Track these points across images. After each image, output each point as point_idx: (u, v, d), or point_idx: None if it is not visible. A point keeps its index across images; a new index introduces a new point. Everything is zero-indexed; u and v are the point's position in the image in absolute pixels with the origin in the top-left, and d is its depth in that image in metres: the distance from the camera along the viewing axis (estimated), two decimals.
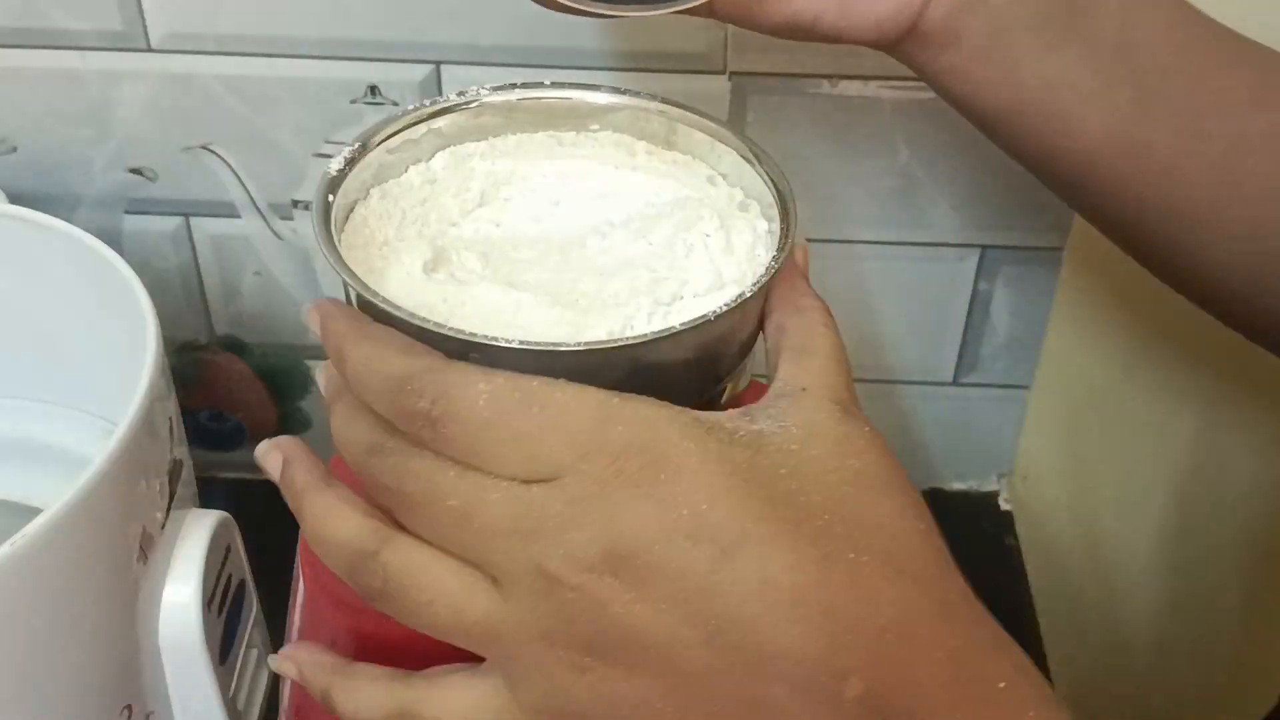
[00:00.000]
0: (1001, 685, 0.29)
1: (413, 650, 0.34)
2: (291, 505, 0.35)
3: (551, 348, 0.32)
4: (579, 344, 0.33)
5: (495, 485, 0.30)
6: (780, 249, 0.37)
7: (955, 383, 0.70)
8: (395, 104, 0.61)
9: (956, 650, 0.29)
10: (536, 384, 0.31)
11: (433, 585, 0.31)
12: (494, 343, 0.32)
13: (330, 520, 0.33)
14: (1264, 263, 0.44)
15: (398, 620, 0.32)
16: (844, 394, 0.33)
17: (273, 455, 0.36)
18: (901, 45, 0.42)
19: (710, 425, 0.30)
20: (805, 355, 0.34)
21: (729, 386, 0.38)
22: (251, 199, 0.64)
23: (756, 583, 0.28)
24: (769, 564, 0.29)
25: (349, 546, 0.33)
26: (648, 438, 0.30)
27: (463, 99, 0.41)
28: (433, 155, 0.41)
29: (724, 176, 0.41)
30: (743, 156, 0.40)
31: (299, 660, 0.37)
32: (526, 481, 0.30)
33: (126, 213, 0.65)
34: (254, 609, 0.54)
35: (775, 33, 0.43)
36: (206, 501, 0.51)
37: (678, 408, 0.31)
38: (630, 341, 0.33)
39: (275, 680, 0.56)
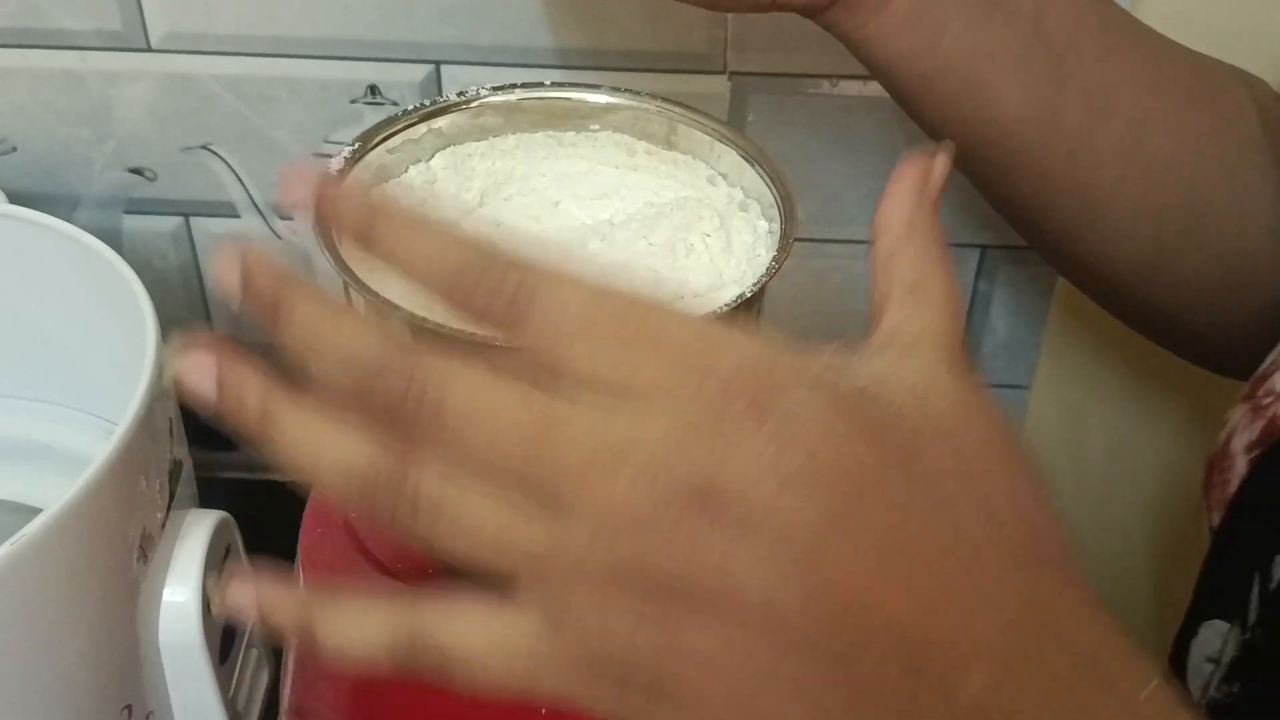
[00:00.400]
0: (1142, 697, 0.27)
1: None
2: (249, 430, 0.29)
3: None
4: None
5: (577, 402, 0.26)
6: (780, 249, 0.37)
7: None
8: (395, 104, 0.61)
9: (1087, 655, 0.27)
10: (631, 295, 0.27)
11: (471, 513, 0.27)
12: (497, 342, 0.32)
13: (327, 434, 0.28)
14: (1160, 243, 0.45)
15: (423, 545, 0.27)
16: (959, 345, 0.29)
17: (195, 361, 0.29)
18: (829, 10, 0.42)
19: (822, 366, 0.27)
20: (920, 293, 0.30)
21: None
22: (251, 199, 0.64)
23: (869, 551, 0.25)
24: (888, 531, 0.25)
25: (359, 464, 0.27)
26: (760, 370, 0.26)
27: (463, 99, 0.41)
28: (433, 155, 0.41)
29: (724, 176, 0.41)
30: (743, 156, 0.40)
31: (255, 594, 0.29)
32: (613, 398, 0.26)
33: (126, 213, 0.65)
34: None
35: (713, 6, 0.42)
36: (206, 501, 0.51)
37: (781, 342, 0.27)
38: None
39: (275, 680, 0.56)
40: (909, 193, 0.32)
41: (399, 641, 0.28)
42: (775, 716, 0.26)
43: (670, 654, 0.26)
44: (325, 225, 0.30)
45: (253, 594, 0.29)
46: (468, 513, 0.27)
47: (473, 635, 0.28)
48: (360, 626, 0.28)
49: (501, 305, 0.27)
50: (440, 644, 0.28)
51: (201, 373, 0.28)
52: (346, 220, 0.28)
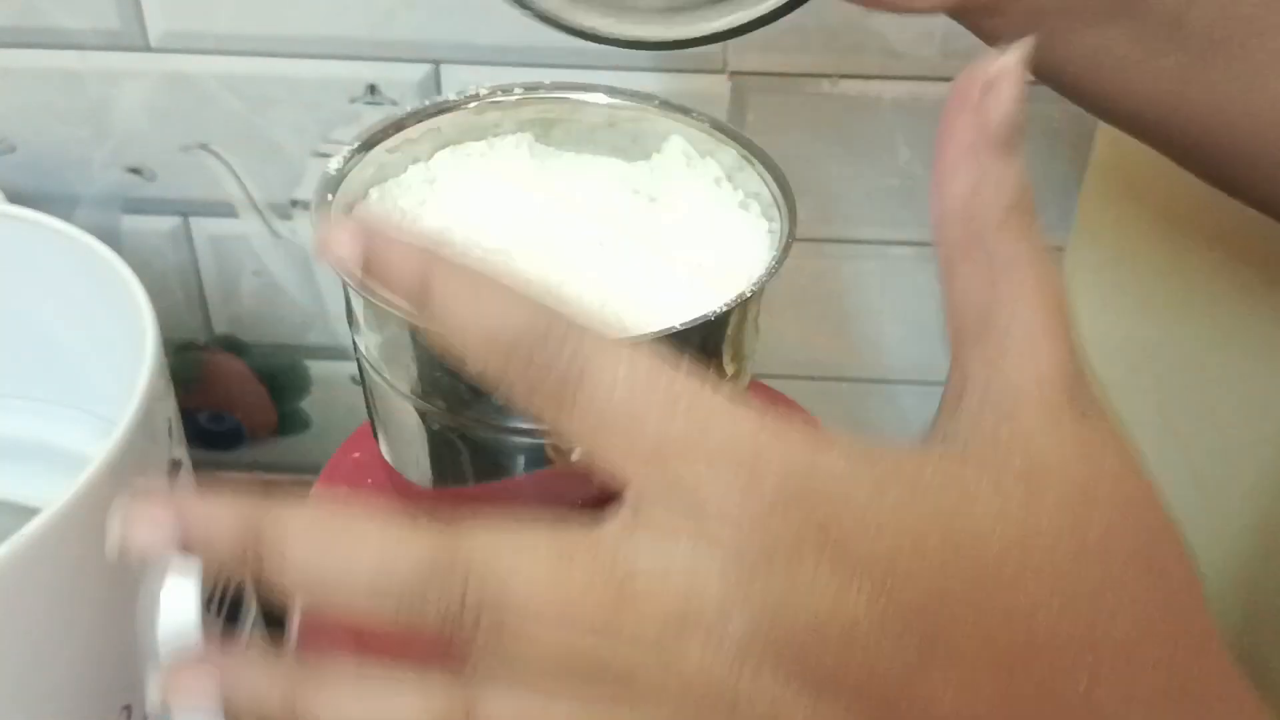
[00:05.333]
0: None
1: (416, 650, 0.34)
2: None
3: None
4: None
5: (633, 534, 0.23)
6: (780, 249, 0.36)
7: None
8: (394, 103, 0.61)
9: None
10: (685, 373, 0.23)
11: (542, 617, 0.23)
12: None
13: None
14: None
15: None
16: (1077, 386, 0.23)
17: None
18: (965, 14, 0.37)
19: (878, 475, 0.23)
20: (998, 328, 0.24)
21: (729, 387, 0.38)
22: (250, 199, 0.64)
23: (952, 710, 0.22)
24: (966, 688, 0.22)
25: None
26: (805, 494, 0.22)
27: (463, 99, 0.41)
28: (433, 155, 0.41)
29: (725, 177, 0.41)
30: (743, 156, 0.40)
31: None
32: (666, 519, 0.23)
33: (125, 212, 0.65)
34: (253, 609, 0.54)
35: (881, 5, 0.37)
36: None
37: (837, 442, 0.23)
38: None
39: None
40: (965, 148, 0.24)
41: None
42: None
43: None
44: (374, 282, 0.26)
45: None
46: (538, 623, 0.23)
47: None
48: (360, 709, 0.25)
49: (553, 383, 0.23)
50: None
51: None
52: (400, 280, 0.25)
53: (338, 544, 0.24)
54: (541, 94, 0.42)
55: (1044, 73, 0.38)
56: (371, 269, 0.25)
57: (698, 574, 0.22)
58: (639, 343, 0.24)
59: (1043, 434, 0.23)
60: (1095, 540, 0.22)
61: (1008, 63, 0.23)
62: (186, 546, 0.25)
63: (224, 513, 0.24)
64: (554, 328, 0.24)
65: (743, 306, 0.34)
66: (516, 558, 0.23)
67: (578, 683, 0.23)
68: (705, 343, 0.35)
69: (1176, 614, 0.23)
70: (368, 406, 0.41)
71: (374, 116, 0.50)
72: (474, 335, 0.24)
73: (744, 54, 0.59)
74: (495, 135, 0.42)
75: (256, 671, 0.25)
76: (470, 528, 0.24)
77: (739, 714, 0.22)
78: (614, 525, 0.24)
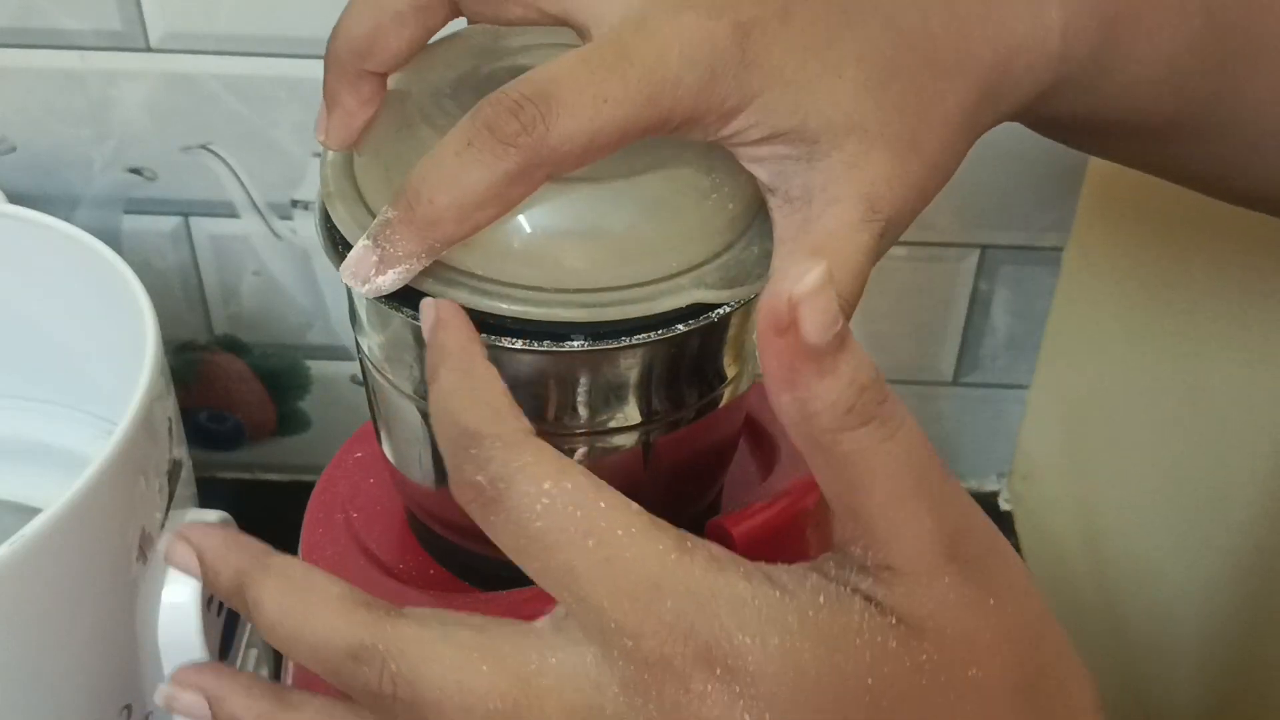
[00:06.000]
0: None
1: None
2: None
3: (554, 349, 0.32)
4: (582, 345, 0.32)
5: (542, 660, 0.26)
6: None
7: (955, 382, 0.70)
8: None
9: None
10: (603, 506, 0.26)
11: (449, 679, 0.26)
12: (497, 343, 0.32)
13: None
14: None
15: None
16: (947, 554, 0.25)
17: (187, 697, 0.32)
18: None
19: (773, 608, 0.25)
20: (867, 519, 0.25)
21: (730, 388, 0.38)
22: (251, 199, 0.64)
23: None
24: None
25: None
26: (700, 621, 0.24)
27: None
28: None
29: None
30: None
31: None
32: (573, 642, 0.26)
33: (125, 212, 0.65)
34: None
35: None
36: (206, 501, 0.51)
37: (739, 568, 0.25)
38: (634, 342, 0.33)
39: (275, 680, 0.56)
40: (786, 372, 0.25)
41: None
42: None
43: None
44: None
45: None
46: (447, 682, 0.26)
47: None
48: None
49: (479, 485, 0.27)
50: None
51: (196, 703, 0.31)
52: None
53: (295, 612, 0.29)
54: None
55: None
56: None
57: (601, 682, 0.25)
58: (566, 471, 0.26)
59: (915, 594, 0.25)
60: (972, 678, 0.24)
61: (811, 281, 0.24)
62: (191, 570, 0.31)
63: (228, 557, 0.31)
64: (482, 439, 0.27)
65: (745, 308, 0.34)
66: (434, 648, 0.27)
67: None
68: (706, 345, 0.35)
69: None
70: (370, 407, 0.41)
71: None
72: (434, 424, 0.28)
73: None
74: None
75: (240, 698, 0.30)
76: (402, 618, 0.28)
77: None
78: (541, 625, 0.27)
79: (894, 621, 0.24)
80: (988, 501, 0.74)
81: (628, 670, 0.25)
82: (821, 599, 0.25)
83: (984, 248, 0.65)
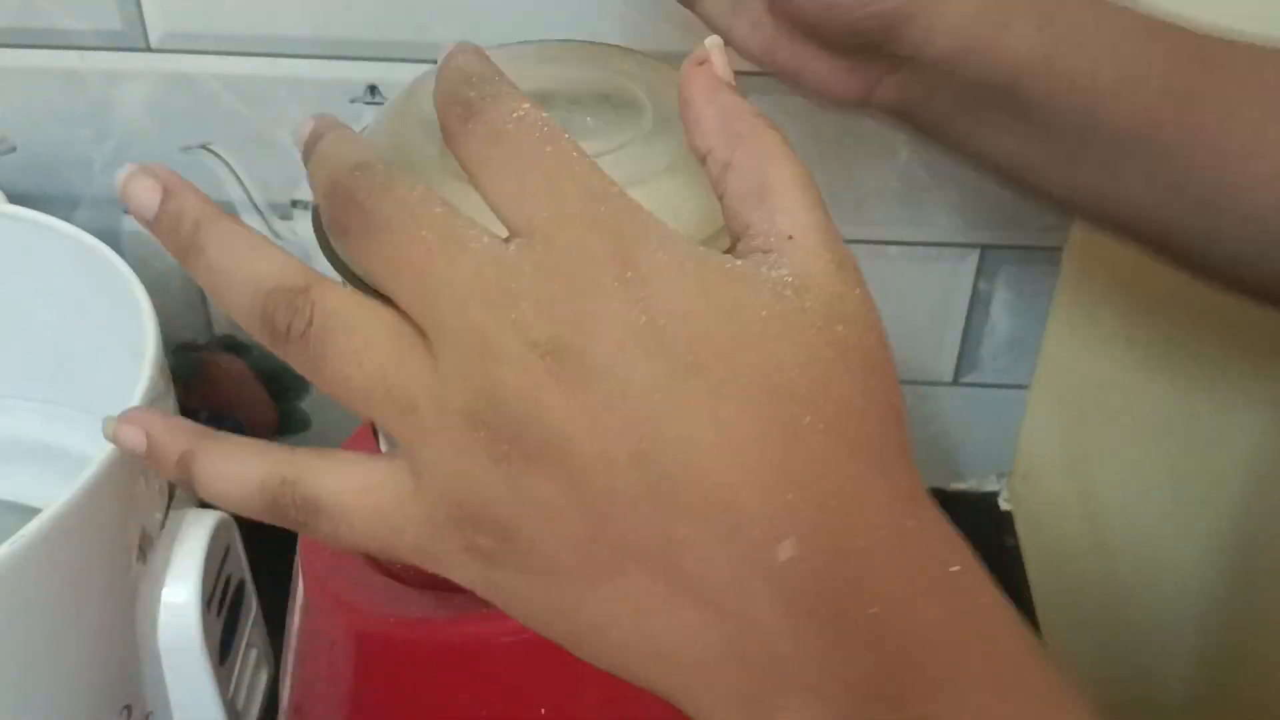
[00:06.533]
0: (955, 569, 0.28)
1: (418, 650, 0.34)
2: (179, 240, 0.30)
3: None
4: None
5: (475, 231, 0.27)
6: None
7: (955, 383, 0.70)
8: None
9: (906, 531, 0.28)
10: (568, 135, 0.28)
11: (365, 332, 0.28)
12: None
13: (246, 250, 0.30)
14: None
15: (311, 378, 0.29)
16: (833, 238, 0.29)
17: (142, 180, 0.31)
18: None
19: (696, 250, 0.28)
20: (774, 195, 0.29)
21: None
22: (251, 199, 0.64)
23: (702, 418, 0.26)
24: (719, 404, 0.26)
25: (270, 278, 0.29)
26: (626, 231, 0.27)
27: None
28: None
29: None
30: None
31: (146, 422, 0.31)
32: (505, 237, 0.28)
33: (126, 213, 0.64)
34: (254, 609, 0.54)
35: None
36: (206, 501, 0.51)
37: (670, 226, 0.28)
38: None
39: (275, 680, 0.56)
40: (713, 92, 0.31)
41: (270, 486, 0.29)
42: (608, 569, 0.27)
43: (517, 501, 0.27)
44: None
45: (142, 428, 0.31)
46: (358, 334, 0.28)
47: (343, 483, 0.29)
48: (235, 469, 0.30)
49: (469, 98, 0.29)
50: (311, 490, 0.29)
51: (148, 189, 0.30)
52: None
53: (237, 253, 0.30)
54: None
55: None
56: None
57: (518, 262, 0.27)
58: (538, 106, 0.29)
59: (812, 261, 0.28)
60: (841, 334, 0.28)
61: (714, 41, 0.31)
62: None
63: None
64: (483, 73, 0.29)
65: None
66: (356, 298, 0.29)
67: (397, 322, 0.28)
68: None
69: (890, 412, 0.28)
70: None
71: (374, 116, 0.51)
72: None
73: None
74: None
75: (189, 196, 0.31)
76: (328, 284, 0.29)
77: (505, 393, 0.26)
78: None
79: (789, 278, 0.28)
80: (988, 502, 0.74)
81: (543, 253, 0.27)
82: (738, 260, 0.28)
83: (984, 248, 0.65)
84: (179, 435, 0.31)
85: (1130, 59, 0.41)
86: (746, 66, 0.59)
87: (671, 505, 0.26)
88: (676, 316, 0.26)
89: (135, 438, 0.31)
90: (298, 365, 0.29)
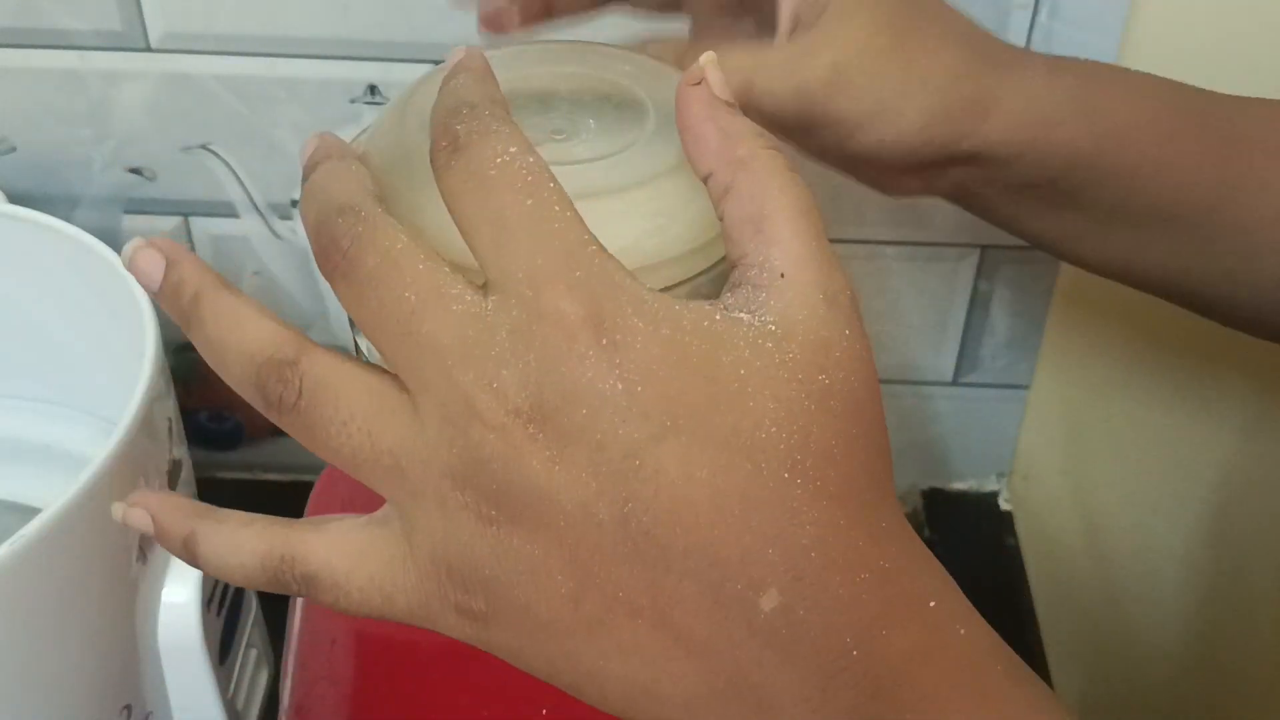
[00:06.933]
0: (931, 604, 0.28)
1: (418, 650, 0.34)
2: (180, 310, 0.31)
3: None
4: None
5: (458, 289, 0.28)
6: None
7: (955, 383, 0.70)
8: None
9: (886, 572, 0.28)
10: (552, 184, 0.28)
11: (351, 401, 0.29)
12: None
13: (240, 323, 0.30)
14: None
15: (306, 445, 0.30)
16: (828, 276, 0.29)
17: (147, 253, 0.31)
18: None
19: (672, 311, 0.28)
20: (771, 225, 0.29)
21: None
22: (251, 199, 0.64)
23: (678, 477, 0.27)
24: (693, 462, 0.27)
25: (262, 352, 0.29)
26: (602, 296, 0.27)
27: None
28: None
29: None
30: None
31: (151, 505, 0.32)
32: (483, 290, 0.28)
33: (125, 212, 0.65)
34: (253, 609, 0.54)
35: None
36: (206, 501, 0.51)
37: (646, 286, 0.28)
38: None
39: (275, 680, 0.56)
40: (712, 111, 0.31)
41: (270, 564, 0.30)
42: (599, 624, 0.27)
43: (505, 561, 0.27)
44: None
45: (146, 510, 0.32)
46: (345, 403, 0.29)
47: (337, 556, 0.30)
48: (237, 544, 0.31)
49: (458, 133, 0.29)
50: (308, 566, 0.30)
51: (152, 261, 0.31)
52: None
53: (232, 325, 0.30)
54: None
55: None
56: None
57: (494, 323, 0.27)
58: (529, 143, 0.29)
59: (799, 305, 0.28)
60: (823, 384, 0.28)
61: (708, 58, 0.31)
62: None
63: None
64: (476, 104, 0.29)
65: None
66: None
67: (381, 381, 0.29)
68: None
69: (873, 452, 0.28)
70: None
71: (374, 117, 0.51)
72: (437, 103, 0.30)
73: None
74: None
75: (190, 265, 0.31)
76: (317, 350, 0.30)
77: (489, 453, 0.27)
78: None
79: (773, 326, 0.28)
80: (988, 501, 0.74)
81: (520, 317, 0.27)
82: (717, 316, 0.28)
83: (984, 248, 0.65)
84: (181, 517, 0.32)
85: (1164, 143, 0.43)
86: None
87: (657, 562, 0.27)
88: (653, 381, 0.27)
89: (143, 520, 0.32)
90: (292, 433, 0.30)
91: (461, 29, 0.58)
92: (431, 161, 0.29)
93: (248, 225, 0.65)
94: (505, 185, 0.28)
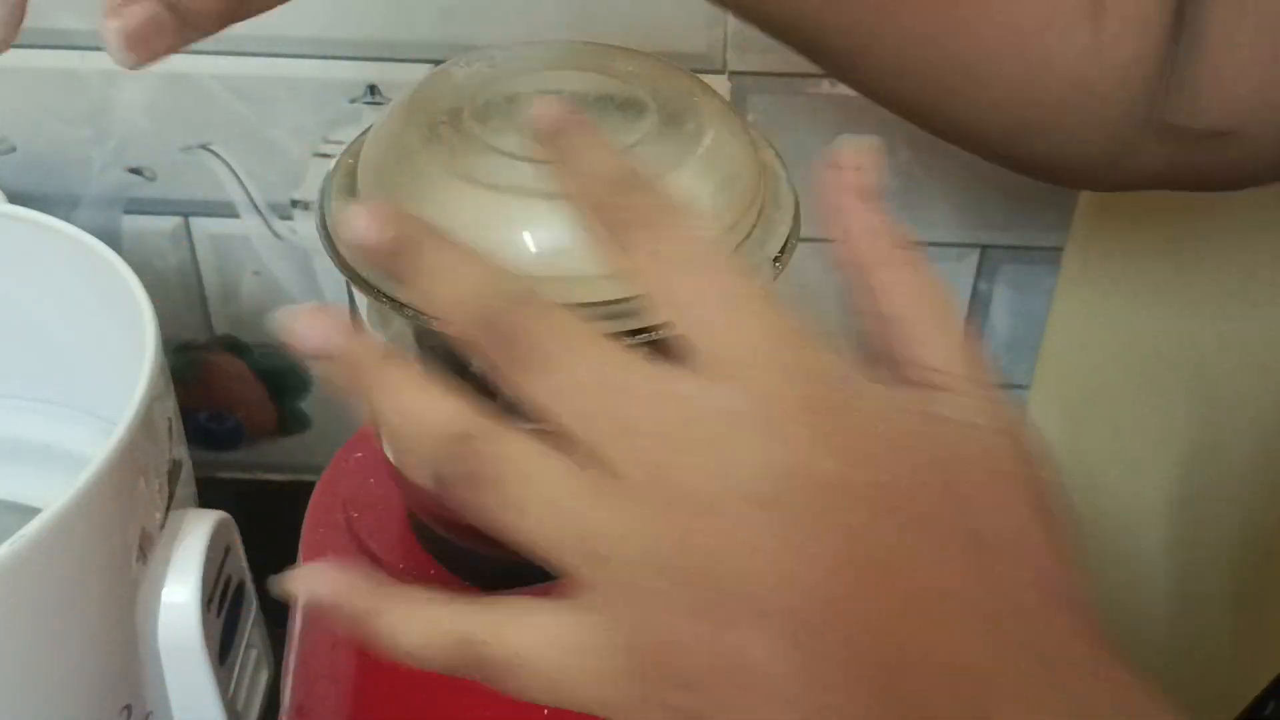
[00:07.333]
0: None
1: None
2: (357, 381, 0.28)
3: None
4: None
5: (683, 370, 0.26)
6: (784, 249, 0.36)
7: None
8: None
9: (1114, 689, 0.27)
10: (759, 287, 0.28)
11: (549, 478, 0.26)
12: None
13: (423, 395, 0.27)
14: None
15: (498, 526, 0.27)
16: (986, 379, 0.30)
17: (321, 321, 0.29)
18: None
19: (899, 401, 0.28)
20: (946, 332, 0.30)
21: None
22: (251, 199, 0.64)
23: (922, 575, 0.26)
24: (941, 565, 0.26)
25: (447, 428, 0.27)
26: (835, 380, 0.27)
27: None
28: None
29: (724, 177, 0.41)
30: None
31: (330, 579, 0.29)
32: (715, 373, 0.26)
33: (125, 212, 0.65)
34: (253, 609, 0.54)
35: None
36: (206, 501, 0.51)
37: (851, 360, 0.28)
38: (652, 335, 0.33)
39: (275, 680, 0.56)
40: (858, 203, 0.32)
41: (460, 644, 0.27)
42: None
43: (717, 659, 0.25)
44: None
45: (325, 581, 0.29)
46: (545, 479, 0.26)
47: (535, 634, 0.27)
48: (424, 627, 0.28)
49: (646, 206, 0.28)
50: (508, 650, 0.27)
51: (322, 327, 0.29)
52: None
53: (412, 404, 0.28)
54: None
55: None
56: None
57: (731, 406, 0.26)
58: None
59: (979, 399, 0.30)
60: (1007, 470, 0.28)
61: (871, 144, 0.32)
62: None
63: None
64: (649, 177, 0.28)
65: None
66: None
67: (586, 461, 0.26)
68: None
69: (1060, 566, 0.28)
70: None
71: (374, 117, 0.51)
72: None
73: (744, 54, 0.59)
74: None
75: (362, 346, 0.28)
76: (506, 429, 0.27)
77: (718, 543, 0.25)
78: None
79: (977, 427, 0.29)
80: None
81: (743, 399, 0.26)
82: (929, 409, 0.29)
83: (984, 248, 0.65)
84: (361, 594, 0.29)
85: None
86: (748, 66, 0.59)
87: (899, 670, 0.25)
88: (894, 475, 0.26)
89: (319, 591, 0.29)
90: (479, 513, 0.27)
91: (462, 29, 0.59)
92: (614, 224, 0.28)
93: (248, 225, 0.65)
94: (715, 266, 0.28)
